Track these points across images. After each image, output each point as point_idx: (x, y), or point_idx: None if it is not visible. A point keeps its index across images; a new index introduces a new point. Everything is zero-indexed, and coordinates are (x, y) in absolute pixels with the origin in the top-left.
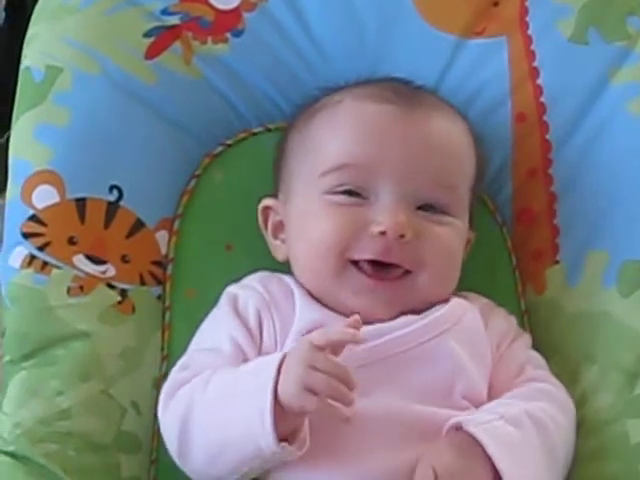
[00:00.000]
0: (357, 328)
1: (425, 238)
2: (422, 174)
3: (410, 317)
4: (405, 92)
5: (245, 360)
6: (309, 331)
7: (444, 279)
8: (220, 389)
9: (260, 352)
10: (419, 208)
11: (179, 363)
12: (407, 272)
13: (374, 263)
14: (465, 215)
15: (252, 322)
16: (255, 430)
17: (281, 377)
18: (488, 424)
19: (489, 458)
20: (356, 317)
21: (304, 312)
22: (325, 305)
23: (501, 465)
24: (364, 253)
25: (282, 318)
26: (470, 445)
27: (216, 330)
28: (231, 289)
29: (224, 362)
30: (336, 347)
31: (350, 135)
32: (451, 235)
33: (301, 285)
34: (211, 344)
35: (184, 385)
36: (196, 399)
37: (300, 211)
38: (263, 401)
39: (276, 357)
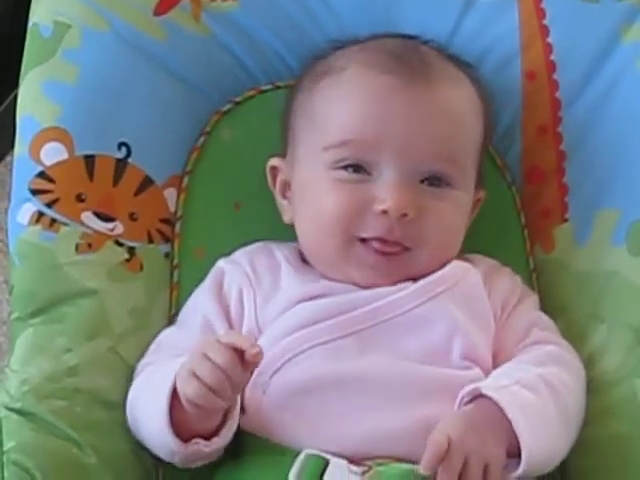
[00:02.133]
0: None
1: (427, 215)
2: (425, 148)
3: (407, 283)
4: (410, 59)
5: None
6: (302, 301)
7: (443, 254)
8: (151, 376)
9: (240, 328)
10: (423, 180)
11: (155, 341)
12: (407, 248)
13: (378, 239)
14: (471, 182)
15: (233, 301)
16: (161, 432)
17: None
18: (506, 389)
19: (508, 422)
20: (258, 350)
21: (293, 285)
22: (322, 274)
23: (519, 429)
24: (370, 231)
25: (264, 294)
26: (488, 410)
27: (196, 303)
28: (220, 263)
29: (190, 342)
30: (248, 365)
31: (352, 109)
32: (453, 211)
33: (294, 256)
34: (187, 318)
35: (143, 369)
36: (132, 396)
37: (304, 180)
38: (162, 400)
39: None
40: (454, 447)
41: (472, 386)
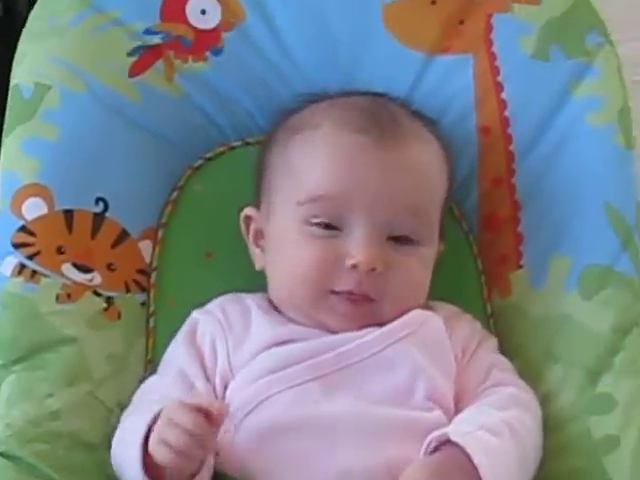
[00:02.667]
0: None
1: (394, 270)
2: (393, 205)
3: (371, 328)
4: (380, 117)
5: (191, 386)
6: (273, 345)
7: (407, 305)
8: (130, 426)
9: (214, 375)
10: (389, 239)
11: (138, 391)
12: (372, 300)
13: (348, 292)
14: (436, 237)
15: (207, 349)
16: (136, 474)
17: (153, 428)
18: (472, 434)
19: (473, 466)
20: (224, 406)
21: (262, 330)
22: (291, 320)
23: (484, 474)
24: (341, 285)
25: (235, 338)
26: (455, 457)
27: (173, 355)
28: (194, 314)
29: (168, 389)
30: (214, 422)
31: (325, 167)
32: (419, 266)
33: (263, 303)
34: (165, 368)
35: (124, 420)
36: (114, 448)
37: (279, 231)
38: (136, 456)
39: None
40: None
41: (440, 432)
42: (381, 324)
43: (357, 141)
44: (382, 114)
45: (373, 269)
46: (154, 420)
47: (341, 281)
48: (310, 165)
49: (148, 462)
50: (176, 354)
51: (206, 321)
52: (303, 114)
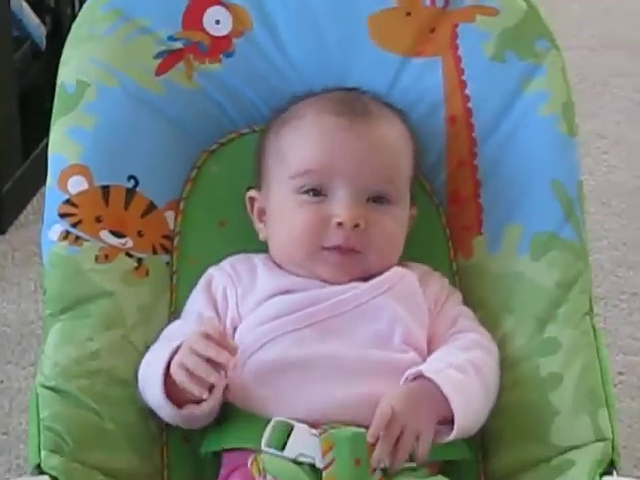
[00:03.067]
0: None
1: (373, 226)
2: (368, 174)
3: (357, 283)
4: (354, 104)
5: None
6: (276, 294)
7: (386, 257)
8: (153, 357)
9: (225, 319)
10: (369, 199)
11: (163, 332)
12: (358, 252)
13: (337, 247)
14: (406, 199)
15: (220, 298)
16: (161, 402)
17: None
18: (443, 372)
19: (444, 398)
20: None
21: (266, 282)
22: (291, 273)
23: (454, 404)
24: (331, 242)
25: (243, 289)
26: (428, 390)
27: (192, 303)
28: (210, 270)
29: (187, 330)
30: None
31: (311, 146)
32: (394, 223)
33: (269, 262)
34: (186, 313)
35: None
36: (140, 375)
37: (276, 205)
38: (158, 379)
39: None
40: (394, 420)
41: (416, 369)
42: (366, 279)
43: (335, 123)
44: (355, 102)
45: (356, 225)
46: (175, 350)
47: (330, 238)
48: (298, 146)
49: (168, 387)
50: (195, 302)
51: (219, 275)
52: (292, 109)
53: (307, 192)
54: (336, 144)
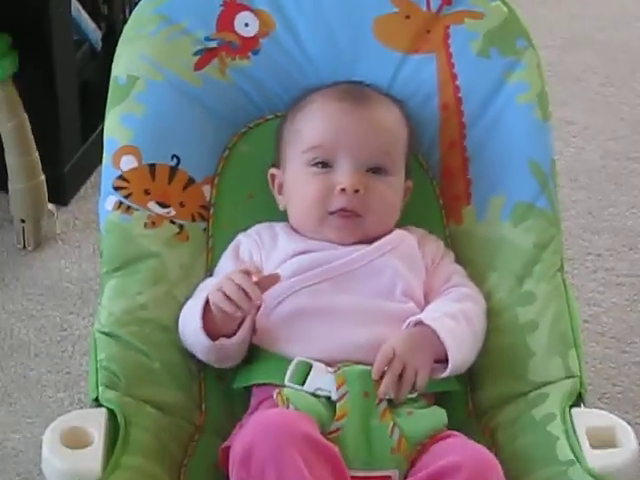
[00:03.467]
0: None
1: (371, 192)
2: (368, 148)
3: (362, 245)
4: (356, 92)
5: None
6: (294, 255)
7: (383, 219)
8: (193, 301)
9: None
10: (368, 170)
11: (199, 286)
12: (359, 215)
13: (341, 210)
14: (401, 171)
15: (247, 259)
16: (197, 334)
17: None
18: (439, 320)
19: (440, 341)
20: (276, 275)
21: (286, 245)
22: (307, 237)
23: (447, 346)
24: (335, 205)
25: (267, 251)
26: (426, 334)
27: (223, 263)
28: (239, 236)
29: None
30: (263, 283)
31: (319, 126)
32: (390, 190)
33: (288, 229)
34: (218, 272)
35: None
36: (181, 317)
37: (292, 177)
38: (198, 312)
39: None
40: (396, 358)
41: (416, 317)
42: (370, 242)
43: (339, 107)
44: (357, 91)
45: (356, 190)
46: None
47: (335, 203)
48: (309, 126)
49: (206, 324)
50: (225, 263)
51: (246, 241)
52: (305, 98)
53: (316, 164)
54: (340, 124)
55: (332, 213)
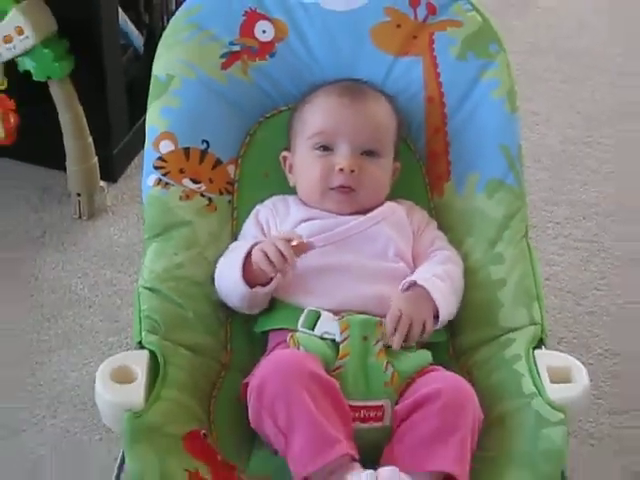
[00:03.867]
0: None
1: (365, 171)
2: (362, 136)
3: (358, 215)
4: (354, 88)
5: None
6: (302, 221)
7: (374, 194)
8: (230, 255)
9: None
10: (362, 153)
11: (227, 249)
12: (354, 190)
13: (340, 186)
14: (390, 155)
15: (264, 224)
16: (237, 283)
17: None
18: (429, 280)
19: (432, 299)
20: (309, 241)
21: (297, 213)
22: (313, 207)
23: (438, 303)
24: (335, 183)
25: (281, 218)
26: (422, 294)
27: (246, 228)
28: (258, 206)
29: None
30: (299, 248)
31: (322, 116)
32: (380, 170)
33: (298, 201)
34: (242, 236)
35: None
36: (218, 269)
37: (299, 159)
38: (238, 263)
39: (254, 242)
40: (404, 316)
41: (409, 279)
42: (364, 212)
43: (339, 101)
44: (354, 87)
45: (352, 171)
46: (252, 246)
47: (335, 180)
48: (313, 117)
49: (245, 275)
50: (248, 228)
51: (263, 210)
52: (311, 93)
53: (319, 148)
54: (340, 115)
55: (332, 189)
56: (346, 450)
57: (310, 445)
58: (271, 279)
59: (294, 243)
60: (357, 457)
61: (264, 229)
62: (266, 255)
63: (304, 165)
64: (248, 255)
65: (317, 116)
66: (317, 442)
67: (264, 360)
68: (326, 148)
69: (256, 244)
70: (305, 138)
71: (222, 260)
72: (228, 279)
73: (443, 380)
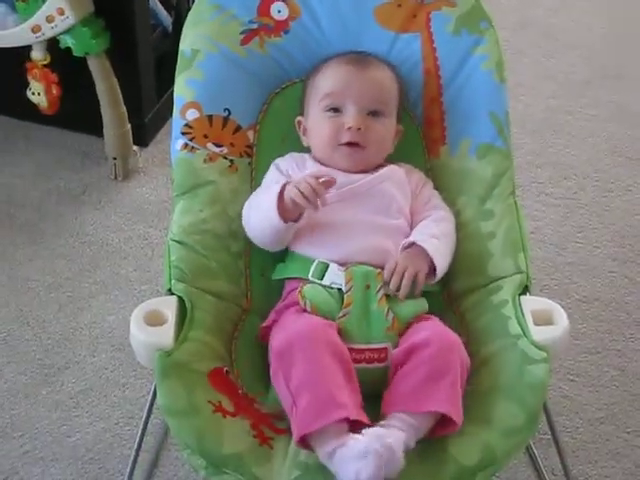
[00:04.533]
0: (329, 182)
1: (370, 129)
2: (367, 97)
3: (365, 174)
4: (360, 58)
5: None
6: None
7: (379, 150)
8: (261, 196)
9: None
10: (369, 114)
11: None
12: (361, 146)
13: (348, 143)
14: (393, 116)
15: (284, 173)
16: (271, 217)
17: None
18: (427, 239)
19: (429, 257)
20: (329, 178)
21: (312, 168)
22: (325, 165)
23: (435, 260)
24: (344, 139)
25: (299, 169)
26: (420, 252)
27: (268, 179)
28: (277, 160)
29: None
30: (326, 184)
31: (331, 80)
32: (384, 128)
33: (312, 157)
34: (264, 184)
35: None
36: (247, 209)
37: (312, 121)
38: (273, 199)
39: (286, 181)
40: (399, 265)
41: (409, 239)
42: (370, 171)
43: (347, 68)
44: (361, 57)
45: (359, 128)
46: (283, 185)
47: (344, 137)
48: (324, 82)
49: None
50: (270, 177)
51: (283, 162)
52: (323, 62)
53: (329, 110)
54: (347, 80)
55: (342, 145)
56: (346, 414)
57: (313, 407)
58: (300, 214)
59: (323, 179)
60: (366, 421)
61: (285, 176)
62: (300, 191)
63: (316, 126)
64: (281, 193)
65: (327, 81)
66: (320, 405)
67: (285, 324)
68: (335, 110)
69: (287, 183)
70: (317, 101)
71: (251, 202)
72: (261, 217)
73: (432, 330)
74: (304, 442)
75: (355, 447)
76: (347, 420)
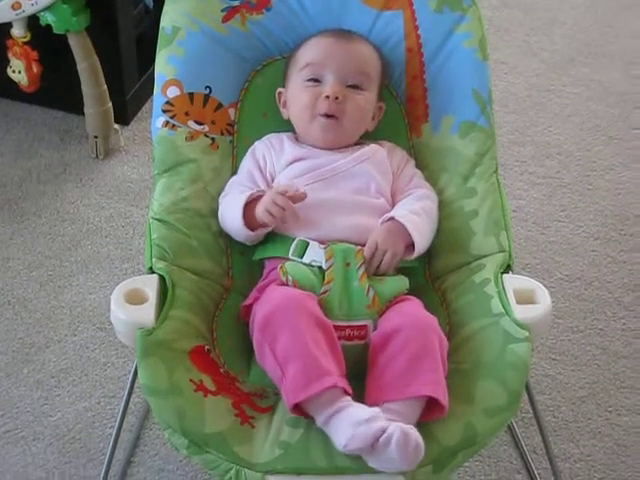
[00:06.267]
0: (298, 196)
1: (349, 101)
2: (348, 69)
3: (345, 154)
4: (343, 32)
5: (253, 180)
6: (294, 160)
7: (356, 124)
8: (230, 200)
9: (265, 173)
10: (348, 86)
11: (228, 183)
12: (338, 119)
13: (325, 114)
14: (374, 91)
15: (261, 160)
16: (239, 227)
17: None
18: (406, 215)
19: (408, 233)
20: (301, 192)
21: (290, 150)
22: (305, 145)
23: (414, 236)
24: (321, 109)
25: (277, 155)
26: (398, 227)
27: (244, 164)
28: (255, 143)
29: (243, 181)
30: (293, 198)
31: (311, 51)
32: (362, 101)
33: (292, 138)
34: (240, 171)
35: (224, 197)
36: (221, 209)
37: (291, 91)
38: (239, 212)
39: (249, 194)
40: (379, 248)
41: (388, 214)
42: (347, 147)
43: (327, 40)
44: (343, 31)
45: (336, 98)
46: (249, 197)
47: (321, 107)
48: (304, 53)
49: (245, 220)
50: (245, 163)
51: (261, 146)
52: (305, 41)
53: (309, 80)
54: (328, 50)
55: (319, 116)
56: (335, 382)
57: (302, 375)
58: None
59: (290, 194)
60: (350, 392)
61: (260, 165)
62: (270, 212)
63: (295, 95)
64: (246, 205)
65: (309, 52)
66: (309, 373)
67: (267, 296)
68: (315, 80)
69: (252, 195)
70: (297, 71)
71: (224, 204)
72: (231, 224)
73: (406, 315)
74: (298, 410)
75: (357, 414)
76: (335, 387)
